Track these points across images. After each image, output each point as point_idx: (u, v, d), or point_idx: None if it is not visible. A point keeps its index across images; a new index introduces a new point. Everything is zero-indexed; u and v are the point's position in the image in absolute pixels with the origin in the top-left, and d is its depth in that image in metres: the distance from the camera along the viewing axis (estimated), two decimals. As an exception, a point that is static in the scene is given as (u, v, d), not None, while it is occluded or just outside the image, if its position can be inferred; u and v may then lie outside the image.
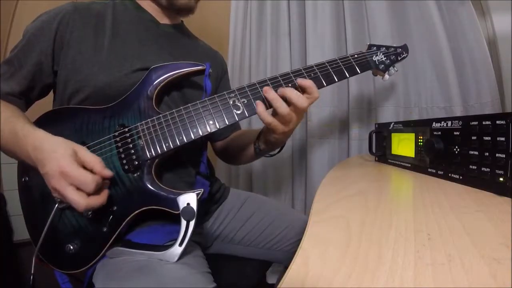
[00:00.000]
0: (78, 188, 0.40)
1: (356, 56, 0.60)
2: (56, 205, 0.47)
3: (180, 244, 0.44)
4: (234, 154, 0.74)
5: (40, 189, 0.50)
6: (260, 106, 0.51)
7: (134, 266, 0.44)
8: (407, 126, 0.61)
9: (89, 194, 0.41)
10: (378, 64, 0.63)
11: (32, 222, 0.53)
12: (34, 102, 0.58)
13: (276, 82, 0.53)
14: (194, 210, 0.43)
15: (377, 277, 0.20)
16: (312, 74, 0.55)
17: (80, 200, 0.40)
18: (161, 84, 0.52)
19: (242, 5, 1.19)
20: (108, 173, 0.43)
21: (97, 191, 0.42)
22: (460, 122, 0.45)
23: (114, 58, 0.54)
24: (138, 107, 0.51)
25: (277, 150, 0.66)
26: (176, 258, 0.44)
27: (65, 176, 0.40)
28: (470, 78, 0.81)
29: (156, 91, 0.51)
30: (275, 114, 0.53)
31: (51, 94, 0.60)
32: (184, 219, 0.43)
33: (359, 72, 0.59)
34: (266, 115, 0.52)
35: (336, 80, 0.56)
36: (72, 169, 0.40)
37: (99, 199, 0.42)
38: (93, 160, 0.43)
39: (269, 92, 0.51)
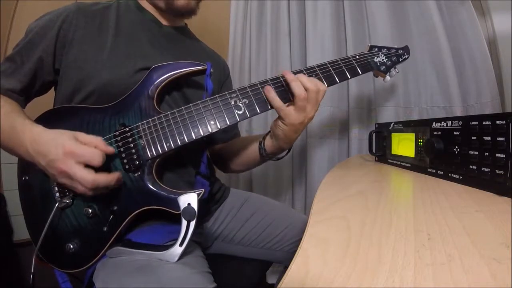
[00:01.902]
0: (86, 166, 0.42)
1: (357, 57, 0.60)
2: (57, 204, 0.47)
3: (181, 244, 0.44)
4: (230, 158, 0.72)
5: (40, 188, 0.51)
6: (270, 91, 0.51)
7: (134, 266, 0.44)
8: (407, 126, 0.61)
9: (96, 171, 0.43)
10: (379, 65, 0.63)
11: (32, 221, 0.53)
12: (33, 98, 0.59)
13: (278, 83, 0.53)
14: (195, 210, 0.43)
15: (377, 277, 0.20)
16: (314, 75, 0.55)
17: (88, 176, 0.41)
18: (162, 84, 0.52)
19: (242, 5, 1.19)
20: (111, 149, 0.46)
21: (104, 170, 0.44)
22: (460, 122, 0.45)
23: (117, 56, 0.54)
24: (139, 106, 0.51)
25: (284, 153, 0.64)
26: (176, 258, 0.44)
27: (72, 155, 0.42)
28: (470, 78, 0.81)
29: (157, 91, 0.51)
30: (290, 100, 0.53)
31: (52, 92, 0.60)
32: (185, 219, 0.43)
33: (361, 73, 0.59)
34: (277, 98, 0.52)
35: (338, 81, 0.56)
36: (77, 147, 0.42)
37: (108, 177, 0.44)
38: (95, 139, 0.45)
39: (288, 74, 0.52)
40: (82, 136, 0.45)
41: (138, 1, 0.64)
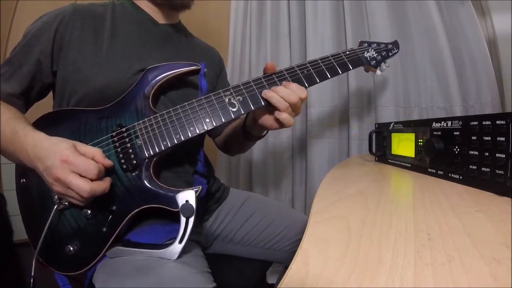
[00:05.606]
0: (81, 176, 0.41)
1: (347, 52, 0.61)
2: (55, 207, 0.47)
3: (180, 241, 0.44)
4: (230, 144, 0.77)
5: (38, 190, 0.50)
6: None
7: (134, 266, 0.44)
8: (407, 126, 0.61)
9: (92, 181, 0.42)
10: (370, 60, 0.64)
11: (30, 224, 0.52)
12: (33, 103, 0.58)
13: (271, 80, 0.54)
14: (193, 207, 0.43)
15: (377, 277, 0.20)
16: (305, 71, 0.55)
17: (85, 185, 0.41)
18: (157, 84, 0.52)
19: (242, 5, 1.19)
20: (108, 162, 0.45)
21: (99, 179, 0.43)
22: (460, 122, 0.45)
23: (114, 59, 0.54)
24: (135, 107, 0.51)
25: (265, 132, 0.66)
26: (176, 256, 0.44)
27: (68, 164, 0.41)
28: (470, 78, 0.81)
29: (152, 91, 0.52)
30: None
31: (50, 95, 0.60)
32: (184, 216, 0.43)
33: (351, 68, 0.60)
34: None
35: (329, 77, 0.57)
36: (74, 157, 0.42)
37: (103, 185, 0.43)
38: (93, 150, 0.44)
39: (267, 93, 0.52)
40: (81, 146, 0.44)
41: (133, 0, 0.63)
